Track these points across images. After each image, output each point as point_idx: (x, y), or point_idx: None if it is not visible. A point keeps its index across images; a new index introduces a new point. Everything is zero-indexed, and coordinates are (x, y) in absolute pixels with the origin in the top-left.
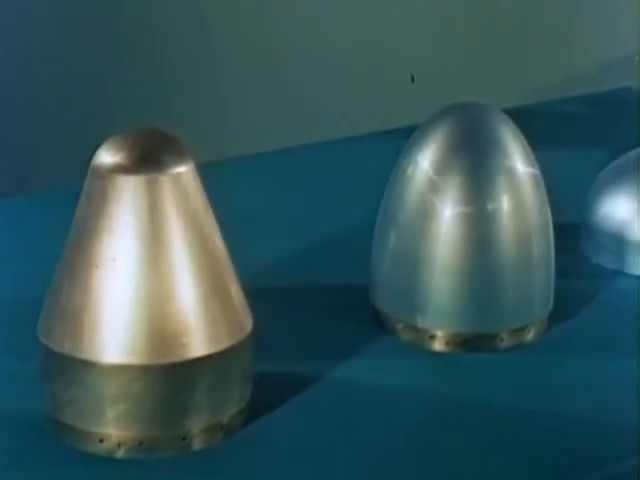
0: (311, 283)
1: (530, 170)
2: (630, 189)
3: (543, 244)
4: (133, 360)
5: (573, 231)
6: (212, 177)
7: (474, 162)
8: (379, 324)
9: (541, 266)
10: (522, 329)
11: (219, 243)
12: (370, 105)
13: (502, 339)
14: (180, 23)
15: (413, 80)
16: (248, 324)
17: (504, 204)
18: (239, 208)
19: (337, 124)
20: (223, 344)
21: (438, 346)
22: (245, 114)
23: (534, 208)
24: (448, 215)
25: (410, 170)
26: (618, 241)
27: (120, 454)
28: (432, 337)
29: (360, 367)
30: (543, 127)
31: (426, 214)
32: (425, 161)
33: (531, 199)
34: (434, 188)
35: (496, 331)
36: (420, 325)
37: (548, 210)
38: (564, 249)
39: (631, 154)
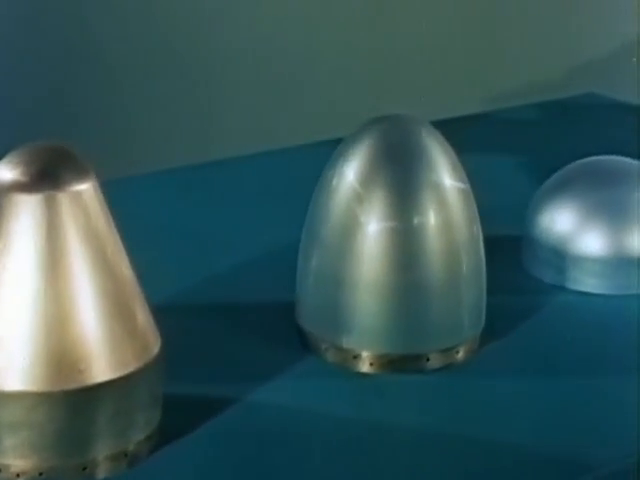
0: (236, 300)
1: (458, 185)
2: (572, 201)
3: (473, 260)
4: (31, 387)
5: (516, 243)
6: (138, 190)
7: (399, 176)
8: (304, 344)
9: (471, 283)
10: (451, 349)
11: (123, 263)
12: (302, 116)
13: (429, 359)
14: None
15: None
16: (155, 346)
17: (431, 219)
18: (165, 222)
19: (267, 136)
20: (127, 368)
21: (363, 367)
22: (172, 126)
23: (462, 223)
24: (373, 230)
25: (334, 183)
26: (559, 255)
27: None
28: (356, 357)
29: (281, 389)
30: (501, 134)
31: (350, 229)
32: (350, 174)
33: (459, 214)
34: (359, 202)
35: (423, 351)
36: (345, 345)
37: (478, 225)
38: (505, 262)
39: (574, 165)
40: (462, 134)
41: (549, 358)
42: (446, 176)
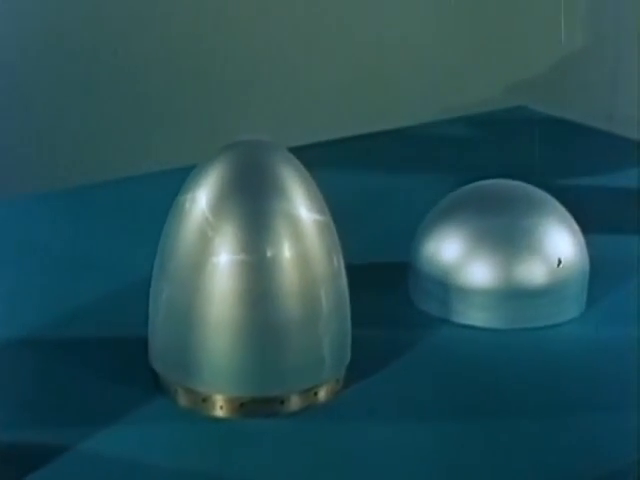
0: (86, 336)
1: (316, 216)
2: (457, 229)
3: (333, 295)
4: None
5: (405, 272)
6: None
7: (252, 205)
8: (157, 385)
9: (331, 319)
10: (310, 390)
11: None
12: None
13: (283, 402)
14: None
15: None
16: None
17: (285, 252)
18: (18, 252)
19: (133, 161)
20: None
21: (213, 411)
22: (35, 152)
23: (320, 256)
24: (224, 263)
25: (186, 210)
26: (443, 286)
27: None
28: (205, 400)
29: (122, 435)
30: (421, 150)
31: (200, 261)
32: (202, 201)
33: (317, 247)
34: (210, 231)
35: (279, 393)
36: (195, 387)
37: (339, 258)
38: (390, 293)
39: (464, 189)
40: (382, 149)
41: (423, 399)
42: (302, 207)
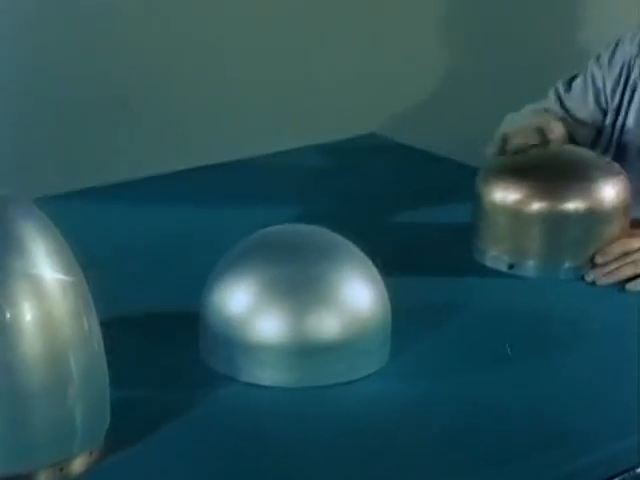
0: None
1: (61, 276)
2: (244, 278)
3: (85, 360)
4: None
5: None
6: None
7: None
8: None
9: (84, 387)
10: (56, 465)
11: None
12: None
13: None
14: None
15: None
16: None
17: (26, 314)
18: None
19: None
20: None
21: None
22: None
23: (68, 319)
24: None
25: None
26: (228, 341)
27: None
28: None
29: None
30: (254, 182)
31: None
32: None
33: (63, 309)
34: None
35: (17, 471)
36: None
37: (92, 320)
38: (177, 348)
39: (257, 234)
40: (219, 182)
41: (188, 471)
42: (45, 265)
